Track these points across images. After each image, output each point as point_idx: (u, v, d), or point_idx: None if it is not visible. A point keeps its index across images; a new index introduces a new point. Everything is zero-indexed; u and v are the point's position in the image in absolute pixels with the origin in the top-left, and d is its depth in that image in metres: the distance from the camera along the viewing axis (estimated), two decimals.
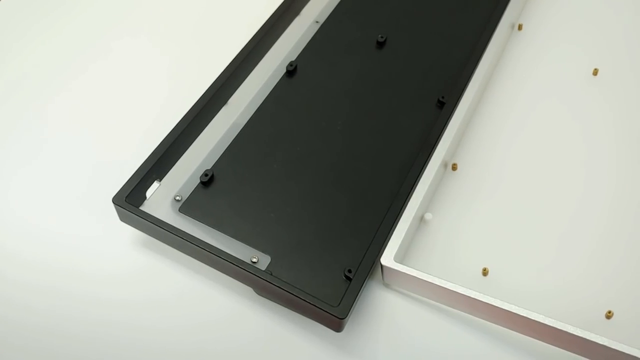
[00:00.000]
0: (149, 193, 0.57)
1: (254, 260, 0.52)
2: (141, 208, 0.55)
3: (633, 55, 0.67)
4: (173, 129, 0.59)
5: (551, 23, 0.71)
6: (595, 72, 0.65)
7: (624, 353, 0.44)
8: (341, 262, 0.52)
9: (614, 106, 0.63)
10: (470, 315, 0.50)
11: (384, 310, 0.53)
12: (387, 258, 0.51)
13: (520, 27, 0.70)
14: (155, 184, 0.57)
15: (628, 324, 0.49)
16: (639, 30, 0.69)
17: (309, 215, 0.55)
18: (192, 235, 0.52)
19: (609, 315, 0.49)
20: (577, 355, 0.47)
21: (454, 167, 0.59)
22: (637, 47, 0.67)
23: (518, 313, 0.46)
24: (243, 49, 0.65)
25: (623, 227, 0.54)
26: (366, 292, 0.53)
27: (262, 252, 0.53)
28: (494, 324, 0.50)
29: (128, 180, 0.55)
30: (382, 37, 0.68)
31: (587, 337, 0.45)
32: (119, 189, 0.55)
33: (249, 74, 0.65)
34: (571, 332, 0.45)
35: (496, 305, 0.47)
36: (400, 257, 0.53)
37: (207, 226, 0.55)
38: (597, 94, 0.64)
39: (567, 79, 0.65)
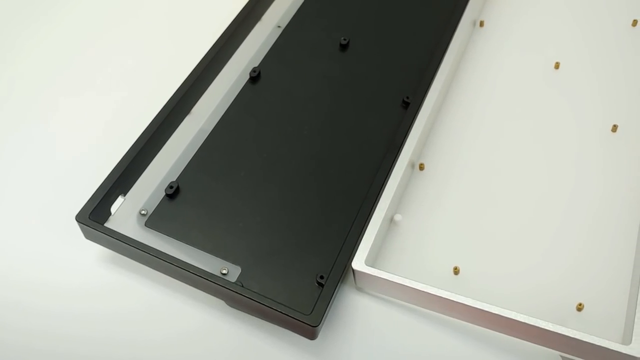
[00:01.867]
0: (113, 208, 0.56)
1: (224, 271, 0.52)
2: (106, 224, 0.54)
3: (593, 47, 0.67)
4: (136, 141, 0.58)
5: (512, 18, 0.71)
6: (557, 66, 0.65)
7: (594, 345, 0.44)
8: (313, 268, 0.52)
9: (576, 99, 0.63)
10: (444, 315, 0.50)
11: (358, 315, 0.52)
12: (358, 262, 0.51)
13: (481, 24, 0.70)
14: (120, 199, 0.56)
15: (599, 314, 0.49)
16: (597, 23, 0.69)
17: (279, 222, 0.55)
18: (159, 250, 0.51)
19: (579, 308, 0.49)
20: (550, 350, 0.47)
21: (421, 167, 0.59)
22: (596, 39, 0.68)
23: (490, 311, 0.46)
24: (205, 56, 0.64)
25: (589, 220, 0.54)
26: (339, 297, 0.53)
27: (232, 263, 0.52)
28: (467, 323, 0.49)
29: (91, 197, 0.54)
30: (345, 39, 0.67)
31: (558, 331, 0.45)
32: (82, 205, 0.54)
33: (212, 81, 0.64)
34: (543, 327, 0.45)
35: (468, 304, 0.47)
36: (372, 260, 0.53)
37: (174, 239, 0.54)
38: (559, 87, 0.64)
39: (529, 73, 0.66)
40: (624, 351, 0.44)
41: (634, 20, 0.68)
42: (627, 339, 0.45)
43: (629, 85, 0.64)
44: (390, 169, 0.57)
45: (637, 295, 0.46)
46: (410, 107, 0.61)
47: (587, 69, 0.65)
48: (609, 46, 0.67)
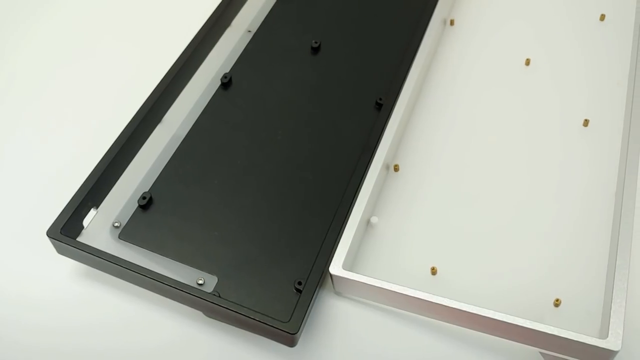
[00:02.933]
0: (86, 221, 0.55)
1: (200, 282, 0.51)
2: (79, 238, 0.53)
3: (562, 42, 0.68)
4: (107, 152, 0.57)
5: (482, 16, 0.71)
6: (528, 62, 0.66)
7: (572, 340, 0.44)
8: (291, 274, 0.51)
9: (548, 94, 0.63)
10: (423, 316, 0.50)
11: (337, 320, 0.52)
12: (336, 266, 0.50)
13: (452, 23, 0.71)
14: (92, 212, 0.55)
15: (576, 309, 0.49)
16: (566, 18, 0.70)
17: (255, 229, 0.54)
18: (133, 263, 0.50)
19: (557, 304, 0.49)
20: (529, 347, 0.47)
21: (396, 168, 0.59)
22: (565, 34, 0.68)
23: (468, 310, 0.46)
24: (174, 63, 0.63)
25: (564, 215, 0.55)
26: (319, 303, 0.53)
27: (209, 272, 0.52)
28: (446, 323, 0.49)
29: (62, 211, 0.53)
30: (316, 42, 0.67)
31: (536, 328, 0.45)
32: (54, 219, 0.52)
33: (182, 89, 0.64)
34: (520, 324, 0.45)
35: (446, 304, 0.47)
36: (350, 264, 0.53)
37: (149, 251, 0.53)
38: (531, 83, 0.65)
39: (501, 70, 0.66)
40: (600, 345, 0.44)
41: (602, 15, 0.69)
42: (604, 333, 0.45)
43: (599, 79, 0.64)
44: (365, 171, 0.56)
45: (613, 289, 0.46)
46: (383, 108, 0.61)
47: (558, 65, 0.66)
48: (578, 41, 0.68)
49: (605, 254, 0.52)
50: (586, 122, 0.60)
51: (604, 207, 0.54)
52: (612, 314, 0.45)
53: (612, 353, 0.44)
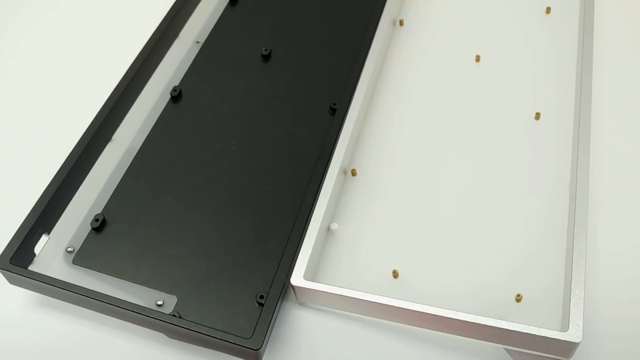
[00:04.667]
0: (37, 248, 0.53)
1: (159, 303, 0.50)
2: (30, 267, 0.51)
3: (510, 37, 0.68)
4: (56, 175, 0.55)
5: (431, 15, 0.71)
6: (478, 59, 0.66)
7: (534, 335, 0.45)
8: (252, 288, 0.51)
9: (499, 90, 0.64)
10: (388, 321, 0.50)
11: (302, 331, 0.51)
12: (297, 277, 0.50)
13: (401, 23, 0.71)
14: (44, 238, 0.53)
15: (538, 303, 0.50)
16: (513, 13, 0.71)
17: (213, 245, 0.53)
18: (88, 289, 0.49)
19: (518, 299, 0.49)
20: (494, 344, 0.47)
21: (354, 173, 0.59)
22: (513, 29, 0.69)
23: (430, 312, 0.46)
24: (122, 79, 0.62)
25: (521, 210, 0.55)
26: (282, 315, 0.52)
27: (168, 292, 0.50)
28: (411, 326, 0.49)
29: (11, 240, 0.51)
30: (266, 50, 0.66)
31: (497, 325, 0.45)
32: (2, 249, 0.51)
33: (131, 104, 0.62)
34: (482, 322, 0.45)
35: (408, 307, 0.47)
36: (312, 273, 0.52)
37: (105, 274, 0.52)
38: (482, 79, 0.65)
39: (452, 69, 0.66)
40: (562, 338, 0.44)
41: (547, 8, 0.70)
42: (565, 326, 0.45)
43: (548, 72, 0.65)
44: (323, 177, 0.56)
45: (571, 282, 0.47)
46: (337, 113, 0.61)
47: (507, 60, 0.66)
48: (525, 35, 0.68)
49: (563, 246, 0.52)
50: (538, 116, 0.61)
51: (560, 200, 0.55)
52: (571, 306, 0.46)
53: (574, 345, 0.44)
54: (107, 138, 0.60)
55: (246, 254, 0.53)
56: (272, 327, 0.49)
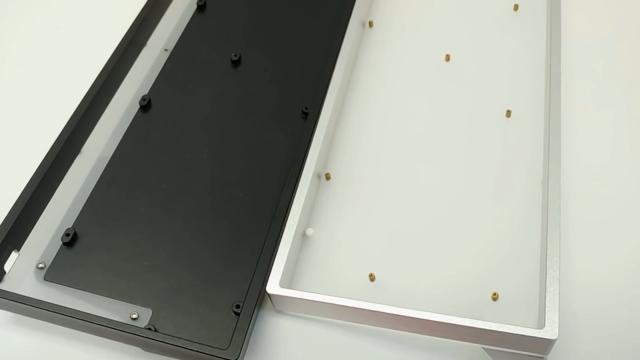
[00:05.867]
0: (7, 266, 0.52)
1: (134, 316, 0.49)
2: (1, 286, 0.50)
3: (479, 35, 0.68)
4: (24, 189, 0.54)
5: (400, 16, 0.71)
6: (448, 58, 0.66)
7: (510, 333, 0.45)
8: (228, 298, 0.50)
9: (470, 88, 0.64)
10: (366, 325, 0.50)
11: (281, 339, 0.51)
12: (272, 285, 0.49)
13: (371, 24, 0.71)
14: (14, 255, 0.52)
15: (514, 302, 0.50)
16: (481, 11, 0.71)
17: (187, 255, 0.53)
18: (60, 306, 0.48)
19: (495, 298, 0.50)
20: (472, 344, 0.47)
21: (328, 177, 0.58)
22: (481, 27, 0.69)
23: (407, 315, 0.46)
24: (90, 89, 0.61)
25: (494, 208, 0.55)
26: (260, 323, 0.51)
27: (142, 305, 0.50)
28: (389, 329, 0.49)
29: None
30: (235, 55, 0.66)
31: (474, 325, 0.45)
32: None
33: (100, 116, 0.61)
34: (459, 323, 0.45)
35: (385, 311, 0.47)
36: (288, 280, 0.52)
37: (78, 290, 0.51)
38: (453, 79, 0.65)
39: (422, 69, 0.66)
40: (538, 335, 0.44)
41: (515, 5, 0.70)
42: (541, 323, 0.45)
43: (518, 69, 0.65)
44: (297, 182, 0.55)
45: (546, 279, 0.47)
46: (309, 117, 0.60)
47: (477, 58, 0.67)
48: (494, 33, 0.69)
49: (538, 243, 0.52)
50: (509, 113, 0.61)
51: (533, 197, 0.55)
52: (547, 303, 0.46)
53: (550, 342, 0.45)
54: (76, 150, 0.59)
55: (221, 263, 0.52)
56: (250, 337, 0.49)
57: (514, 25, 0.69)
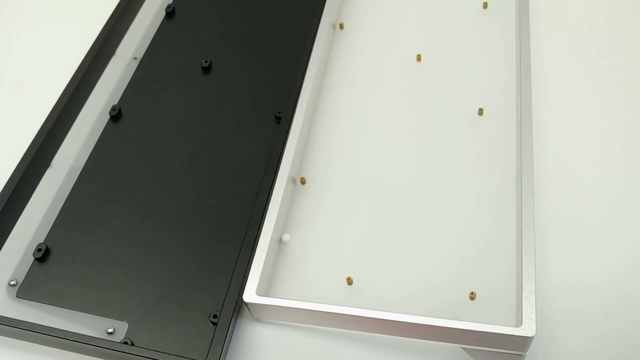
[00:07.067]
0: None
1: (110, 330, 0.48)
2: None
3: (450, 35, 0.68)
4: None
5: (370, 17, 0.71)
6: (419, 58, 0.66)
7: (488, 332, 0.45)
8: (205, 308, 0.50)
9: (442, 88, 0.64)
10: (345, 329, 0.50)
11: (260, 347, 0.50)
12: (249, 293, 0.49)
13: (341, 26, 0.70)
14: None
15: (492, 299, 0.50)
16: (450, 10, 0.71)
17: (162, 266, 0.52)
18: (32, 323, 0.47)
19: (472, 297, 0.50)
20: (451, 344, 0.48)
21: (303, 181, 0.58)
22: (452, 26, 0.69)
23: (385, 318, 0.46)
24: (58, 101, 0.60)
25: (469, 208, 0.55)
26: (238, 333, 0.51)
27: (118, 319, 0.49)
28: (368, 333, 0.49)
29: None
30: (206, 61, 0.65)
31: (452, 326, 0.45)
32: None
33: (69, 127, 0.60)
34: (436, 324, 0.45)
35: (363, 315, 0.46)
36: (265, 287, 0.51)
37: (51, 306, 0.50)
38: (424, 79, 0.65)
39: (394, 70, 0.66)
40: (516, 333, 0.44)
41: (484, 3, 0.70)
42: (519, 321, 0.46)
43: (489, 66, 0.65)
44: (271, 188, 0.55)
45: (522, 276, 0.47)
46: (282, 121, 0.60)
47: (448, 57, 0.67)
48: (464, 32, 0.69)
49: (513, 241, 0.53)
50: (481, 111, 0.61)
51: (508, 195, 0.55)
52: (523, 300, 0.46)
53: (528, 339, 0.45)
54: (46, 163, 0.58)
55: (197, 273, 0.52)
56: (228, 346, 0.48)
57: (484, 23, 0.69)
